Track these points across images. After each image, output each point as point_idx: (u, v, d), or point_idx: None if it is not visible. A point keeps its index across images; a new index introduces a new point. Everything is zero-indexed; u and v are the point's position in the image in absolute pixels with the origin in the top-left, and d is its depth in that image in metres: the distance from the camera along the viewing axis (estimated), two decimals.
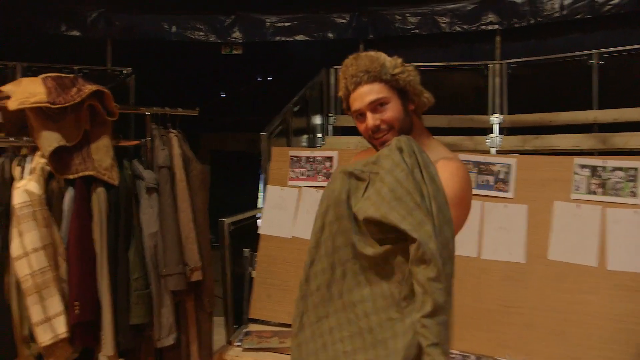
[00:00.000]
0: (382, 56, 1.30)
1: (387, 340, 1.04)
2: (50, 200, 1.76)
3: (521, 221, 2.32)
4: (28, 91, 1.74)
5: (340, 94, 1.34)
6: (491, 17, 4.52)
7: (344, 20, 4.97)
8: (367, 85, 1.26)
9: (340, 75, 1.34)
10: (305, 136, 4.32)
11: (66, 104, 1.75)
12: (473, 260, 2.34)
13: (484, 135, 4.31)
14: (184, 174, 2.02)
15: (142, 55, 5.48)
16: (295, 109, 3.82)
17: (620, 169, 2.23)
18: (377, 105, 1.26)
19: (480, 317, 2.25)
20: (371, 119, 1.26)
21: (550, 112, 4.03)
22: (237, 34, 5.10)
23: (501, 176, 2.39)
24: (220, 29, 5.10)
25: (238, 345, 2.36)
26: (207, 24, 5.12)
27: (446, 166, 1.23)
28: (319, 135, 4.55)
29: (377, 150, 1.27)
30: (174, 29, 5.18)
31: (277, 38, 5.03)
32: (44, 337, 1.66)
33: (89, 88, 1.82)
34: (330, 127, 4.80)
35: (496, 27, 4.53)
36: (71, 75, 1.91)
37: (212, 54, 5.37)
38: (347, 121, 4.75)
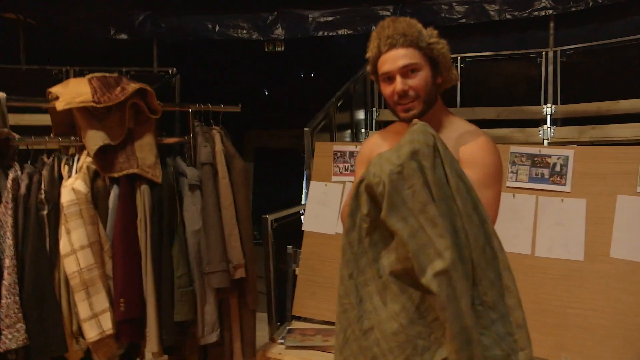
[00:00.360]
0: (419, 24, 1.28)
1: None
2: (96, 198, 1.78)
3: (579, 216, 2.16)
4: (75, 91, 1.77)
5: (369, 54, 1.31)
6: (545, 1, 4.29)
7: (387, 12, 4.86)
8: (402, 49, 1.24)
9: (373, 35, 1.30)
10: (349, 131, 4.26)
11: (111, 103, 1.77)
12: (526, 257, 2.21)
13: (537, 127, 4.10)
14: (226, 171, 2.01)
15: (187, 55, 5.58)
16: (339, 103, 3.76)
17: None
18: (408, 70, 1.25)
19: (535, 318, 2.12)
20: (400, 83, 1.24)
21: (608, 101, 3.79)
22: (279, 31, 5.10)
23: (557, 169, 2.24)
24: (263, 26, 5.12)
25: (281, 343, 2.34)
26: (249, 22, 5.15)
27: (476, 141, 1.25)
28: (363, 130, 4.49)
29: (400, 117, 1.29)
30: (217, 28, 5.24)
31: (320, 33, 4.99)
32: (91, 333, 1.69)
33: (133, 87, 1.83)
34: (374, 122, 4.71)
35: (550, 12, 4.30)
36: (115, 74, 1.93)
37: (255, 52, 5.40)
38: (390, 115, 4.65)
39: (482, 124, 4.79)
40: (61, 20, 5.25)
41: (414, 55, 1.24)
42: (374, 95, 4.67)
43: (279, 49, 5.26)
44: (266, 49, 5.30)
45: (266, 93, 7.33)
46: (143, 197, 1.84)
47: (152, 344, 1.80)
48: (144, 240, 1.82)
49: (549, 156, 2.27)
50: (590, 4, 4.23)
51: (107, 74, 1.93)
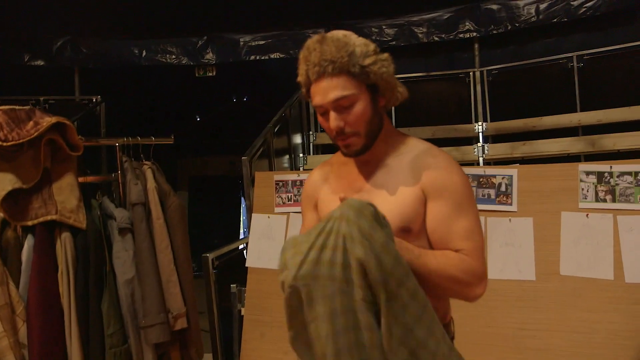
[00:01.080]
0: (352, 40, 1.07)
1: None
2: (5, 252, 1.53)
3: (527, 235, 2.16)
4: None
5: (300, 79, 1.11)
6: (468, 24, 4.46)
7: None
8: (331, 79, 1.05)
9: (300, 59, 1.10)
10: (287, 156, 4.15)
11: (21, 140, 1.53)
12: None
13: (470, 144, 4.21)
14: (160, 211, 1.81)
15: (112, 82, 5.26)
16: (276, 129, 3.64)
17: (628, 173, 2.10)
18: (341, 105, 1.07)
19: (491, 342, 2.08)
20: (334, 120, 1.07)
21: (533, 118, 3.97)
22: (210, 55, 4.95)
23: (502, 188, 2.24)
24: (193, 51, 4.93)
25: None
26: (178, 47, 4.95)
27: (437, 163, 1.12)
28: (301, 155, 4.40)
29: (342, 153, 1.14)
30: (144, 53, 4.99)
31: (252, 57, 4.89)
32: None
33: (48, 120, 1.61)
34: (311, 145, 4.65)
35: (474, 34, 4.48)
36: (26, 107, 1.70)
37: (185, 77, 5.19)
38: (327, 138, 4.60)
39: None
40: None
41: (347, 84, 1.05)
42: (310, 118, 4.61)
43: (210, 74, 5.09)
44: (197, 74, 5.11)
45: (198, 119, 7.10)
46: (64, 246, 1.61)
47: None
48: (67, 297, 1.58)
49: (494, 176, 2.27)
50: (509, 27, 4.47)
51: (17, 107, 1.69)
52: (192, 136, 6.46)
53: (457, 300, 2.24)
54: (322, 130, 4.59)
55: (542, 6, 4.26)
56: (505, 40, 4.50)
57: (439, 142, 4.67)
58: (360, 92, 1.07)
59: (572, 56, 3.91)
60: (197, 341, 1.87)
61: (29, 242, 1.56)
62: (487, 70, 4.30)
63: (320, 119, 1.12)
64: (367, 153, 1.13)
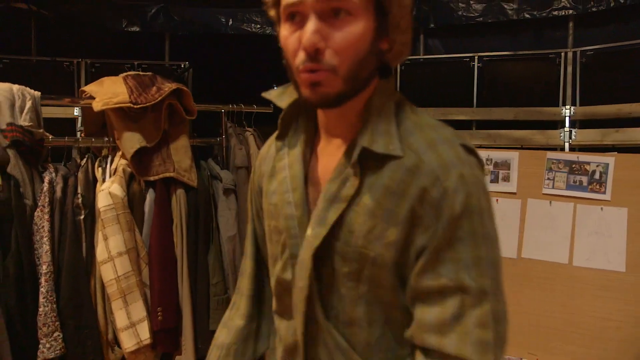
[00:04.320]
0: None
1: None
2: (132, 203, 1.73)
3: (620, 226, 2.12)
4: (111, 91, 1.71)
5: None
6: (564, 1, 4.23)
7: None
8: None
9: None
10: None
11: (147, 104, 1.70)
12: (563, 266, 2.17)
13: (555, 128, 4.06)
14: None
15: (199, 48, 5.50)
16: None
17: None
18: (330, 11, 0.67)
19: (571, 329, 2.08)
20: (312, 33, 0.66)
21: (629, 104, 3.75)
22: None
23: (596, 176, 2.20)
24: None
25: None
26: (263, 16, 5.06)
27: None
28: None
29: (301, 94, 0.71)
30: (230, 22, 5.16)
31: None
32: (129, 343, 1.63)
33: (169, 87, 1.77)
34: None
35: (570, 12, 4.24)
36: (149, 73, 1.87)
37: (267, 47, 5.33)
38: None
39: (499, 124, 4.74)
40: (73, 12, 5.16)
41: None
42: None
43: None
44: (279, 45, 5.22)
45: (275, 88, 7.26)
46: (179, 201, 1.78)
47: (187, 354, 1.75)
48: (180, 247, 1.77)
49: (588, 163, 2.22)
50: (612, 4, 4.18)
51: (141, 73, 1.87)
52: (267, 104, 6.65)
53: (535, 283, 2.25)
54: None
55: None
56: (605, 18, 4.23)
57: (522, 125, 4.56)
58: (365, 8, 0.68)
59: None
60: None
61: (150, 196, 1.75)
62: (581, 50, 4.08)
63: (284, 31, 0.71)
64: (338, 123, 0.76)
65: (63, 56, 5.06)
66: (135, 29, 5.35)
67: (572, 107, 4.09)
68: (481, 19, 4.66)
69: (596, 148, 3.68)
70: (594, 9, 4.24)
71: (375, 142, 0.71)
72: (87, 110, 1.89)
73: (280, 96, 0.82)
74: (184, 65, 5.27)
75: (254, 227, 0.92)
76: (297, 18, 0.68)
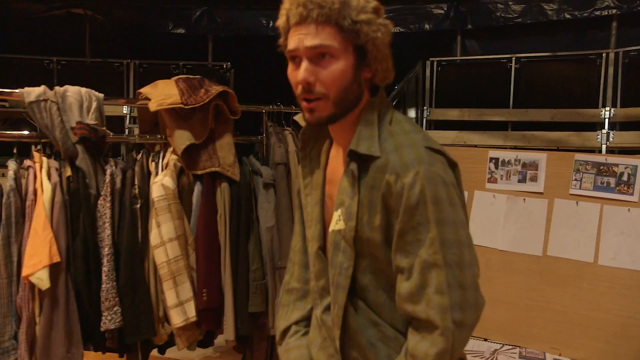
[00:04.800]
0: None
1: None
2: (181, 194, 1.91)
3: None
4: (164, 93, 1.89)
5: (279, 23, 0.97)
6: (608, 0, 4.19)
7: (441, 11, 4.86)
8: (315, 26, 0.89)
9: None
10: None
11: (197, 105, 1.88)
12: (589, 265, 2.22)
13: (593, 130, 4.04)
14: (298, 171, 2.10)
15: (241, 50, 5.73)
16: (394, 102, 3.81)
17: None
18: (318, 55, 0.90)
19: (597, 326, 2.14)
20: (304, 71, 0.90)
21: None
22: None
23: (624, 178, 2.24)
24: None
25: None
26: None
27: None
28: None
29: (304, 117, 0.96)
30: (271, 24, 5.36)
31: None
32: (177, 320, 1.82)
33: (216, 89, 1.95)
34: (424, 120, 4.74)
35: (614, 11, 4.20)
36: (198, 76, 2.05)
37: None
38: (441, 114, 4.66)
39: (536, 126, 4.75)
40: (123, 16, 5.48)
41: (330, 35, 0.89)
42: (425, 94, 4.69)
43: None
44: None
45: None
46: (223, 194, 1.95)
47: (228, 333, 1.92)
48: (224, 235, 1.94)
49: (616, 165, 2.26)
50: None
51: (191, 76, 2.05)
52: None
53: (560, 281, 2.31)
54: (438, 106, 4.67)
55: None
56: None
57: (559, 126, 4.58)
58: (344, 51, 0.91)
59: None
60: None
61: (197, 188, 1.93)
62: (623, 51, 4.04)
63: (289, 69, 0.95)
64: (341, 134, 0.99)
65: (113, 57, 5.39)
66: (181, 31, 5.65)
67: (612, 109, 4.06)
68: (520, 19, 4.67)
69: (634, 150, 3.66)
70: (638, 8, 4.18)
71: (360, 145, 0.93)
72: (142, 110, 2.10)
73: (301, 117, 1.15)
74: (226, 66, 5.51)
75: (301, 213, 1.15)
76: (296, 60, 0.93)
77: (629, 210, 2.20)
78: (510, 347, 2.21)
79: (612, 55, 4.13)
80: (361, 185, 0.94)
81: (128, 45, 5.60)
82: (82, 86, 1.89)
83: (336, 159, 1.03)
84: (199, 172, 1.93)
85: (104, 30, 5.50)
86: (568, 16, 4.43)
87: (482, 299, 0.91)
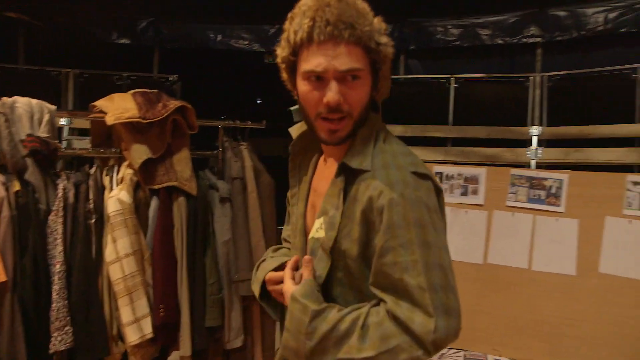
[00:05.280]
0: (368, 10, 0.94)
1: None
2: (138, 209, 1.90)
3: (572, 235, 2.38)
4: (121, 107, 1.89)
5: (289, 36, 0.92)
6: (533, 29, 4.55)
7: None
8: (346, 46, 0.89)
9: (302, 10, 0.91)
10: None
11: (155, 119, 1.89)
12: (524, 271, 2.41)
13: (524, 147, 4.35)
14: (255, 185, 2.15)
15: (187, 63, 5.68)
16: None
17: None
18: (349, 77, 0.91)
19: (533, 326, 2.32)
20: (335, 92, 0.90)
21: (589, 125, 4.06)
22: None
23: (553, 191, 2.46)
24: (265, 38, 5.25)
25: None
26: (252, 33, 5.28)
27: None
28: None
29: (320, 137, 0.95)
30: (219, 37, 5.36)
31: None
32: (133, 337, 1.80)
33: (174, 104, 1.96)
34: None
35: (538, 39, 4.57)
36: (154, 90, 2.06)
37: (254, 63, 5.54)
38: (398, 130, 4.85)
39: (473, 142, 5.01)
40: (64, 23, 5.28)
41: (360, 58, 0.90)
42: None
43: (278, 61, 5.40)
44: (266, 61, 5.44)
45: (259, 102, 7.47)
46: (180, 208, 1.96)
47: (185, 348, 1.92)
48: (180, 250, 1.94)
49: (546, 179, 2.48)
50: (575, 34, 4.52)
51: (147, 90, 2.05)
52: (252, 118, 6.84)
53: (499, 286, 2.48)
54: (390, 122, 4.83)
55: (611, 15, 4.29)
56: (570, 47, 4.57)
57: (494, 143, 4.85)
58: (367, 71, 0.93)
59: (637, 67, 3.96)
60: None
61: (154, 202, 1.93)
62: (548, 75, 4.40)
63: (304, 87, 0.92)
64: (334, 147, 0.98)
65: (51, 65, 5.16)
66: (125, 41, 5.51)
67: (539, 127, 4.40)
68: (458, 42, 4.96)
69: (559, 166, 3.98)
70: (559, 38, 4.58)
71: (353, 160, 0.94)
72: (95, 123, 2.07)
73: (297, 130, 1.14)
74: (173, 79, 5.43)
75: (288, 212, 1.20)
76: (317, 79, 0.92)
77: (557, 220, 2.41)
78: (455, 350, 2.35)
79: (538, 79, 4.48)
80: (347, 195, 0.94)
81: (68, 54, 5.40)
82: (14, 95, 1.86)
83: (324, 170, 1.04)
84: (156, 187, 1.93)
85: (41, 36, 5.27)
86: (500, 41, 4.76)
87: (459, 328, 0.88)
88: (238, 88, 6.20)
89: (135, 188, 1.92)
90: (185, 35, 5.43)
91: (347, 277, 0.95)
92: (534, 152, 4.20)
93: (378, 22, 0.93)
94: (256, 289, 1.13)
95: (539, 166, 4.13)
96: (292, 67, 0.96)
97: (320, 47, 0.89)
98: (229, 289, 2.06)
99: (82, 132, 3.89)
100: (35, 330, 1.72)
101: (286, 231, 1.22)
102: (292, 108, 1.09)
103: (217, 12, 5.35)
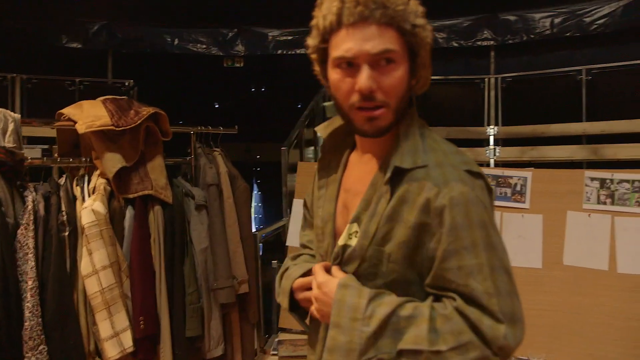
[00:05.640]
0: None
1: None
2: (113, 219, 1.84)
3: (537, 230, 2.49)
4: (92, 114, 1.82)
5: (318, 22, 0.87)
6: (486, 33, 4.75)
7: None
8: (378, 27, 0.82)
9: None
10: (312, 148, 4.45)
11: (129, 126, 1.84)
12: None
13: (482, 146, 4.51)
14: (230, 191, 2.13)
15: (144, 67, 5.52)
16: (307, 121, 3.94)
17: (626, 181, 2.43)
18: (382, 60, 0.83)
19: None
20: (367, 79, 0.82)
21: (542, 125, 4.28)
22: (239, 47, 5.21)
23: (518, 188, 2.57)
24: (223, 42, 5.20)
25: (274, 354, 2.46)
26: (209, 37, 5.20)
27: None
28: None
29: (358, 129, 0.88)
30: (176, 41, 5.25)
31: (280, 51, 5.16)
32: (112, 352, 1.74)
33: (147, 110, 1.91)
34: None
35: (491, 42, 4.77)
36: (124, 97, 2.00)
37: (213, 67, 5.46)
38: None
39: None
40: (11, 26, 5.02)
41: (393, 39, 0.83)
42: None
43: (238, 65, 5.36)
44: (225, 64, 5.38)
45: (216, 106, 7.37)
46: (156, 217, 1.91)
47: None
48: (158, 260, 1.90)
49: (511, 177, 2.59)
50: (525, 38, 4.75)
51: (118, 97, 1.99)
52: (210, 122, 6.76)
53: None
54: None
55: (557, 20, 4.55)
56: (520, 50, 4.80)
57: (454, 143, 5.03)
58: (404, 55, 0.85)
59: (581, 69, 4.21)
60: (254, 305, 2.19)
61: (129, 212, 1.87)
62: (501, 77, 4.60)
63: (335, 75, 0.86)
64: (373, 142, 0.92)
65: None
66: (77, 45, 5.30)
67: (496, 127, 4.58)
68: None
69: (516, 164, 4.17)
70: (510, 41, 4.80)
71: (405, 160, 0.87)
72: (61, 131, 1.99)
73: (325, 129, 1.03)
74: (129, 84, 5.28)
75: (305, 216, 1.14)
76: (348, 66, 0.84)
77: (522, 216, 2.52)
78: None
79: (492, 80, 4.66)
80: (392, 199, 0.86)
81: (14, 58, 5.13)
82: None
83: (359, 168, 0.96)
84: (131, 196, 1.87)
85: None
86: (455, 44, 4.92)
87: (524, 333, 0.85)
88: (197, 92, 6.10)
89: (109, 198, 1.85)
90: (140, 39, 5.28)
91: (389, 285, 0.87)
92: (492, 151, 4.38)
93: (414, 3, 0.86)
94: (284, 300, 1.03)
95: (497, 164, 4.31)
96: (324, 57, 0.89)
97: (350, 30, 0.83)
98: (208, 298, 2.03)
99: (31, 141, 3.71)
100: (7, 352, 1.62)
101: (305, 237, 1.16)
102: (326, 103, 1.05)
103: (174, 16, 5.24)
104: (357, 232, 0.90)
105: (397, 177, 0.87)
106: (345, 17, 0.82)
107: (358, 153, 0.98)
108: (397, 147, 0.88)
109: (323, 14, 0.85)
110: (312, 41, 0.90)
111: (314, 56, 0.92)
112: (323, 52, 0.89)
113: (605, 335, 2.25)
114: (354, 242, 0.90)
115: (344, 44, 0.83)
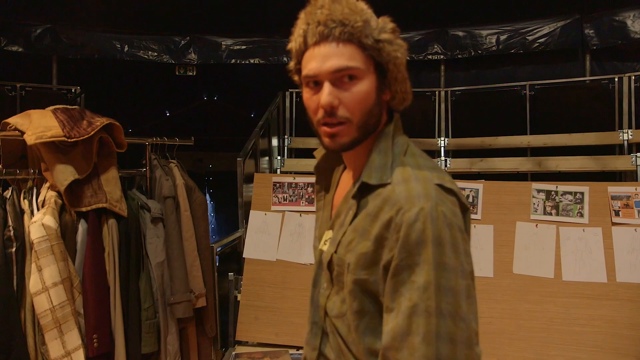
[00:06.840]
0: (368, 9, 0.89)
1: None
2: (64, 233, 1.76)
3: (488, 240, 2.60)
4: (42, 125, 1.74)
5: (292, 45, 0.91)
6: (436, 47, 4.92)
7: None
8: (337, 45, 0.85)
9: (300, 18, 0.90)
10: (267, 158, 4.43)
11: (81, 138, 1.77)
12: None
13: (433, 157, 4.66)
14: (187, 204, 2.08)
15: (91, 73, 5.32)
16: (261, 132, 3.93)
17: (569, 192, 2.58)
18: (343, 77, 0.86)
19: None
20: (328, 94, 0.85)
21: (489, 137, 4.47)
22: (192, 56, 5.13)
23: (470, 199, 2.67)
24: (175, 49, 5.10)
25: None
26: (161, 44, 5.09)
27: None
28: (278, 157, 4.70)
29: (323, 144, 0.91)
30: (126, 48, 5.09)
31: (233, 60, 5.12)
32: None
33: (100, 121, 1.85)
34: (286, 149, 4.95)
35: (441, 57, 4.95)
36: (77, 107, 1.93)
37: (165, 74, 5.34)
38: (302, 143, 4.93)
39: None
40: None
41: (354, 55, 0.85)
42: (286, 123, 4.91)
43: (190, 73, 5.28)
44: (177, 72, 5.28)
45: (167, 114, 7.22)
46: (110, 231, 1.85)
47: None
48: (113, 275, 1.83)
49: (463, 189, 2.69)
50: (473, 53, 4.95)
51: (69, 107, 1.91)
52: (160, 131, 6.60)
53: None
54: (298, 135, 4.92)
55: (502, 37, 4.78)
56: (469, 64, 5.00)
57: None
58: (367, 71, 0.87)
59: (525, 85, 4.44)
60: (211, 319, 2.15)
61: (82, 226, 1.79)
62: (451, 90, 4.78)
63: (305, 94, 0.90)
64: (354, 159, 0.95)
65: None
66: (18, 49, 5.04)
67: (446, 139, 4.74)
68: None
69: (466, 175, 4.33)
70: (459, 56, 5.00)
71: (372, 177, 0.89)
72: (6, 142, 1.88)
73: (319, 151, 1.06)
74: (76, 90, 5.07)
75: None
76: (315, 85, 0.88)
77: (474, 226, 2.62)
78: None
79: (442, 93, 4.83)
80: (359, 211, 0.89)
81: None
82: None
83: (345, 184, 0.99)
84: (84, 209, 1.80)
85: None
86: (407, 58, 5.05)
87: (477, 358, 0.82)
88: (147, 100, 5.93)
89: (60, 211, 1.77)
90: (87, 44, 5.09)
91: (350, 293, 0.88)
92: (444, 162, 4.52)
93: (382, 21, 0.88)
94: None
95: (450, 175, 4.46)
96: (299, 76, 0.93)
97: (315, 50, 0.86)
98: (165, 312, 1.97)
99: None
100: None
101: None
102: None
103: (123, 22, 5.09)
104: (329, 238, 0.95)
105: (365, 192, 0.89)
106: (310, 37, 0.87)
107: (346, 172, 1.02)
108: (367, 162, 0.91)
109: (295, 37, 0.90)
110: (291, 64, 0.94)
111: (295, 78, 0.96)
112: (299, 73, 0.92)
113: (551, 340, 2.37)
114: (325, 247, 0.95)
115: (309, 64, 0.87)
